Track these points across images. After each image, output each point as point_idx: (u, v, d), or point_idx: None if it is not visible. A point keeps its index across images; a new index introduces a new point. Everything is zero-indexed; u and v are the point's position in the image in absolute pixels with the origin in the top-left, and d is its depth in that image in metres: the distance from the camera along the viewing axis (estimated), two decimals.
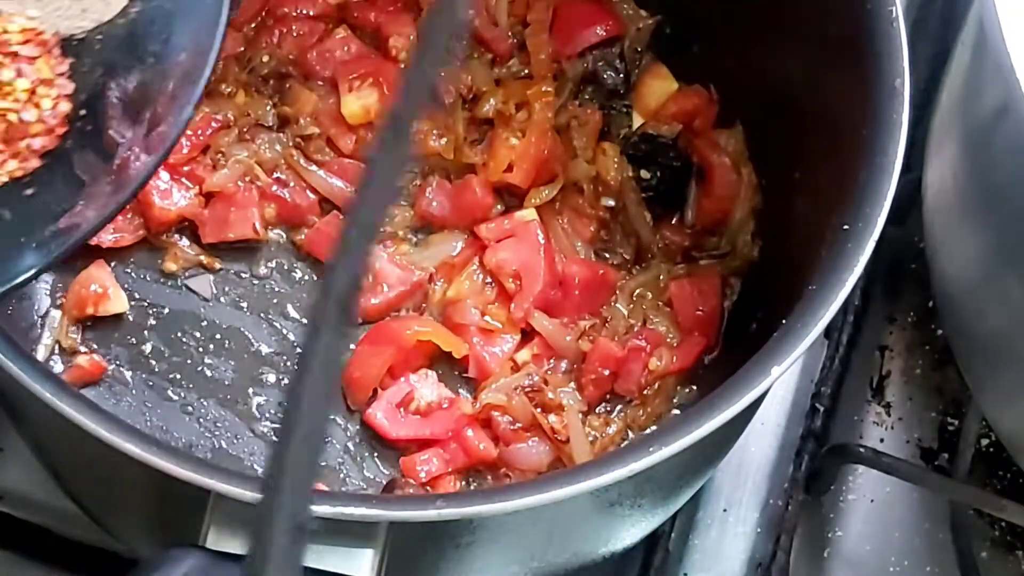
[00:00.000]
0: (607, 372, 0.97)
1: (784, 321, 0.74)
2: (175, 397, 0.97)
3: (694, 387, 0.99)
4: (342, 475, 0.96)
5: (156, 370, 0.98)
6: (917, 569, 1.04)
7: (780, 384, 1.08)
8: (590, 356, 0.98)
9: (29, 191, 0.75)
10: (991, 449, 1.06)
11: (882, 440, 1.08)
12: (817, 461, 1.04)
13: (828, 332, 1.07)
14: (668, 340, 1.00)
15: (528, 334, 0.99)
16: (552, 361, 0.99)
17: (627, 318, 1.01)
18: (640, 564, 0.99)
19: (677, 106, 1.05)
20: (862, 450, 1.01)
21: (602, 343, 0.98)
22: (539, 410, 0.96)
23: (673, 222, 1.04)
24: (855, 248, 0.74)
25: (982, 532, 1.05)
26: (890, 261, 1.12)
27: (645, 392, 0.98)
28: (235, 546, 0.67)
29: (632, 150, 1.05)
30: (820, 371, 1.07)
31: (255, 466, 0.96)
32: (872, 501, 1.06)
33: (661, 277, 1.02)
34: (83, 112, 0.77)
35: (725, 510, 1.05)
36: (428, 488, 0.94)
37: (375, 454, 0.97)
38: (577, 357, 0.99)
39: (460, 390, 0.99)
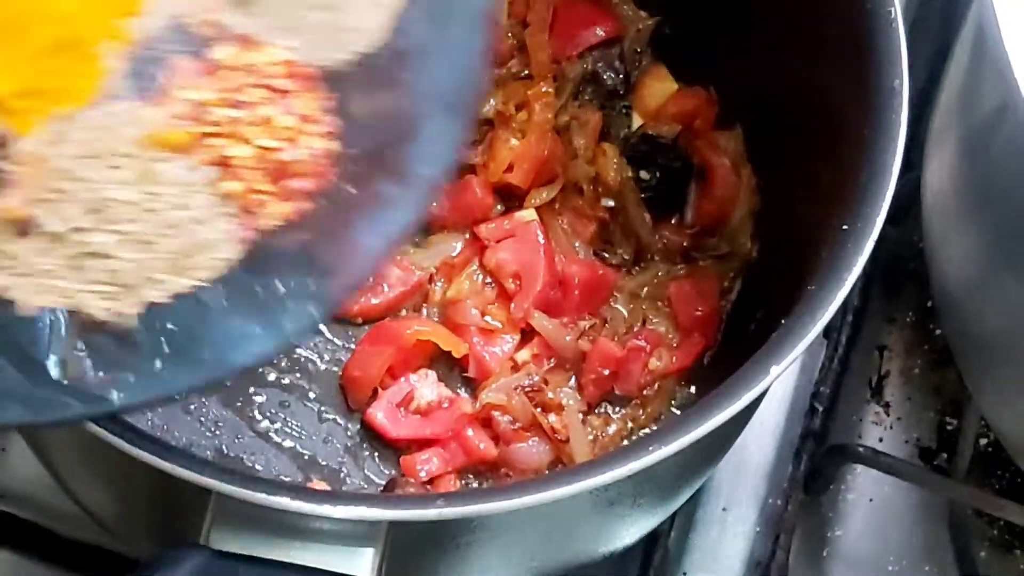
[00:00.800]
0: (607, 372, 0.98)
1: (783, 321, 0.74)
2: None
3: (694, 387, 0.99)
4: (342, 475, 0.96)
5: None
6: (916, 568, 1.04)
7: (779, 384, 1.08)
8: (590, 356, 0.98)
9: (304, 235, 0.72)
10: (990, 449, 1.07)
11: (881, 440, 1.09)
12: (816, 461, 1.04)
13: (827, 332, 1.07)
14: (668, 340, 1.00)
15: (528, 334, 0.99)
16: (552, 361, 0.99)
17: (627, 318, 1.01)
18: (640, 563, 1.00)
19: (677, 107, 1.05)
20: (861, 450, 1.02)
21: (602, 343, 0.98)
22: (539, 410, 0.96)
23: (673, 223, 1.04)
24: (854, 248, 0.74)
25: (981, 532, 1.05)
26: (889, 261, 1.12)
27: (645, 392, 0.99)
28: (237, 545, 0.67)
29: (632, 151, 1.05)
30: (819, 371, 1.07)
31: (256, 465, 0.96)
32: (871, 501, 1.06)
33: (660, 277, 1.02)
34: (352, 151, 0.74)
35: (724, 509, 1.05)
36: (428, 488, 0.95)
37: (375, 454, 0.97)
38: (577, 357, 0.99)
39: (460, 390, 0.99)
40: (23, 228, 0.69)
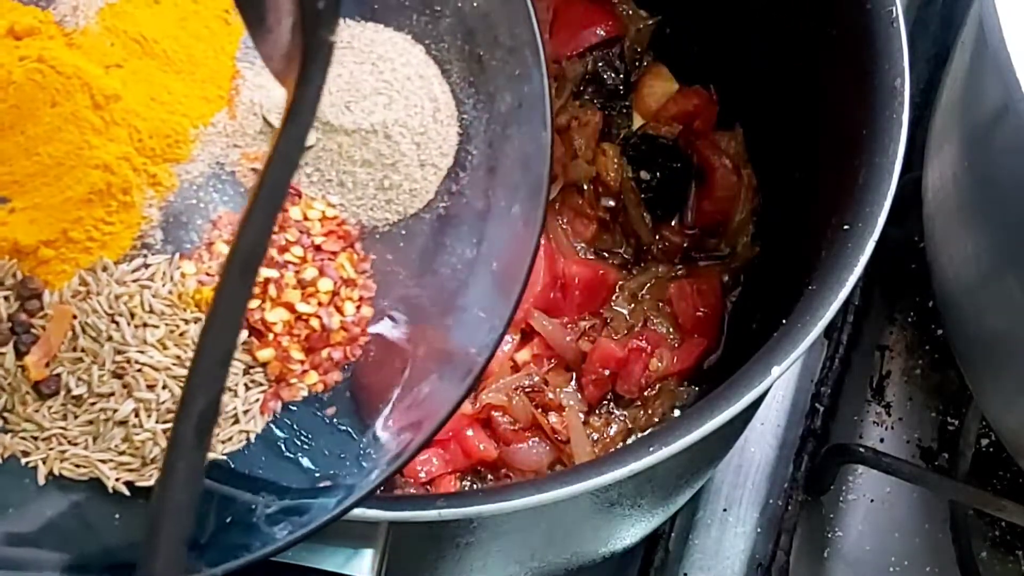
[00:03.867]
0: (607, 372, 0.97)
1: (784, 321, 0.74)
2: None
3: (695, 388, 0.99)
4: None
5: None
6: (917, 569, 1.04)
7: (780, 384, 1.08)
8: (591, 356, 0.98)
9: (330, 410, 0.69)
10: (991, 449, 1.06)
11: (882, 440, 1.08)
12: (817, 461, 1.04)
13: (828, 332, 1.07)
14: (669, 341, 1.00)
15: (528, 334, 0.99)
16: (552, 361, 0.99)
17: (628, 319, 1.01)
18: (640, 564, 0.99)
19: (677, 107, 1.05)
20: (862, 450, 1.01)
21: (602, 343, 0.98)
22: (539, 410, 0.96)
23: (673, 223, 1.04)
24: (855, 248, 0.74)
25: (982, 532, 1.05)
26: (890, 261, 1.12)
27: (646, 393, 0.98)
28: None
29: (632, 151, 1.05)
30: (820, 371, 1.07)
31: None
32: (872, 501, 1.06)
33: (661, 277, 1.02)
34: (387, 318, 0.70)
35: (725, 510, 1.05)
36: (428, 488, 0.94)
37: None
38: (577, 357, 0.99)
39: None
40: (45, 389, 0.65)
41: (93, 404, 0.65)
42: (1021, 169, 0.78)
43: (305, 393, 0.69)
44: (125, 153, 0.69)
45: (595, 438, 0.97)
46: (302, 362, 0.69)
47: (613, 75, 1.06)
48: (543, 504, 0.67)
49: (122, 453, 0.65)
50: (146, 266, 0.69)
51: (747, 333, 0.95)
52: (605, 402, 0.99)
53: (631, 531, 0.88)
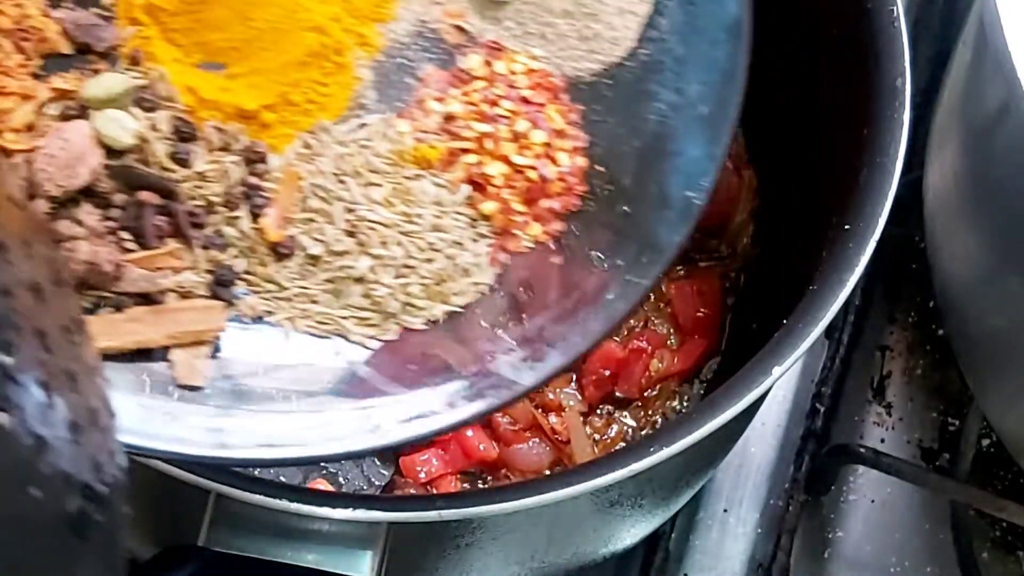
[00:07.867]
0: (608, 373, 0.97)
1: (785, 321, 0.74)
2: None
3: (695, 388, 0.99)
4: (341, 476, 0.96)
5: None
6: (918, 570, 1.04)
7: (781, 384, 1.08)
8: (591, 357, 0.98)
9: (557, 260, 0.70)
10: (992, 449, 1.06)
11: (883, 440, 1.08)
12: (817, 461, 1.04)
13: (829, 332, 1.07)
14: (669, 342, 1.00)
15: None
16: None
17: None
18: (640, 564, 0.99)
19: None
20: (863, 450, 1.01)
21: (603, 344, 0.98)
22: (539, 410, 0.95)
23: None
24: (856, 248, 0.74)
25: (983, 532, 1.05)
26: (891, 261, 1.12)
27: (646, 394, 0.98)
28: (236, 547, 0.67)
29: None
30: (821, 371, 1.07)
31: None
32: (873, 501, 1.06)
33: (661, 277, 1.02)
34: (599, 168, 0.71)
35: (725, 510, 1.04)
36: (428, 488, 0.94)
37: (374, 455, 0.97)
38: None
39: None
40: (283, 250, 0.67)
41: (330, 263, 0.67)
42: (1022, 169, 0.78)
43: (530, 245, 0.70)
44: (335, 14, 0.70)
45: (595, 439, 0.97)
46: (524, 214, 0.70)
47: None
48: (543, 504, 0.67)
49: (362, 309, 0.67)
50: (363, 126, 0.70)
51: (748, 333, 0.95)
52: (605, 403, 0.99)
53: (631, 531, 0.88)
